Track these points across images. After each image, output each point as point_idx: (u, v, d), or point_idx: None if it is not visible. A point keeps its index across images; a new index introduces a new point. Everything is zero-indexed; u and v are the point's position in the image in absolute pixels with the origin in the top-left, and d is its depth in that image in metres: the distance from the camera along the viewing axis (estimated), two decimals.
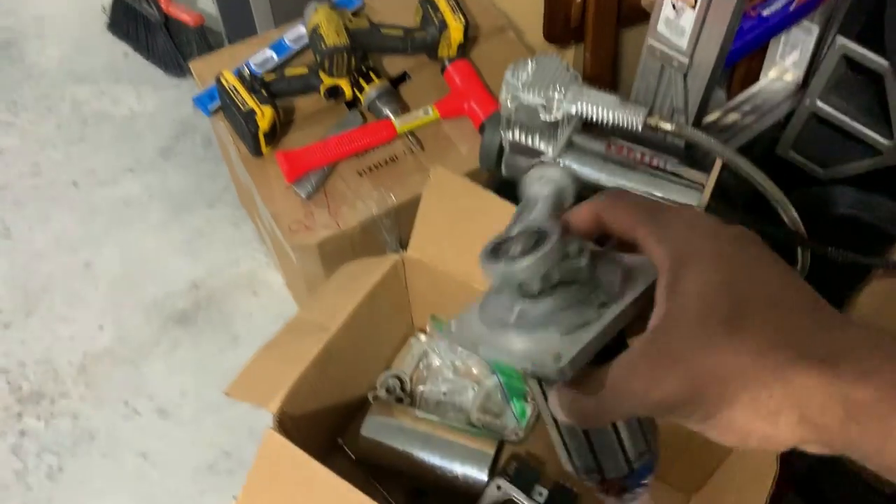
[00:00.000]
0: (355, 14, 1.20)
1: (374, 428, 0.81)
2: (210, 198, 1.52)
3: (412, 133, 1.10)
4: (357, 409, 0.89)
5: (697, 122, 1.07)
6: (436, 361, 0.91)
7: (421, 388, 0.90)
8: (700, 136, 0.70)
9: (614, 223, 0.35)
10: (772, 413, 0.28)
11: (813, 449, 0.29)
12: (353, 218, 1.03)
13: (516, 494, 0.77)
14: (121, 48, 1.74)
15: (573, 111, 0.72)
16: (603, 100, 0.71)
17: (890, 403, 0.26)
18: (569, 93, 0.72)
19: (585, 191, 0.56)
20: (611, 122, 0.72)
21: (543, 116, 0.72)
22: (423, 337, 0.92)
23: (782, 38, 1.28)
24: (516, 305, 0.36)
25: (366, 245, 1.08)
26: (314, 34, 1.07)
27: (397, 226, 1.08)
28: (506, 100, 0.74)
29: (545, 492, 0.79)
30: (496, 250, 0.37)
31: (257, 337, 1.34)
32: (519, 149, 0.79)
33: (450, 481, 0.79)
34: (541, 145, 0.77)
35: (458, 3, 1.13)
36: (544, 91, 0.72)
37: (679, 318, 0.30)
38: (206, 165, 1.57)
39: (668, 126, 0.70)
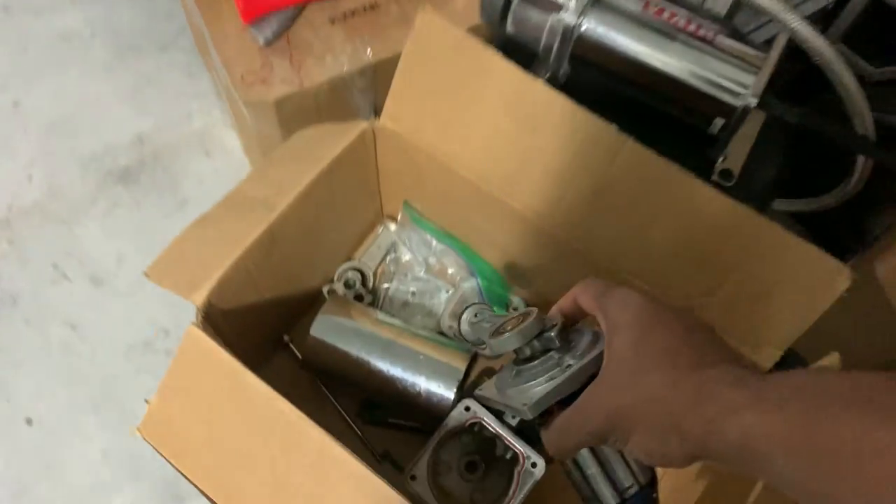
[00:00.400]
0: None
1: (326, 328, 0.68)
2: (163, 40, 1.32)
3: None
4: (309, 304, 0.76)
5: None
6: (406, 256, 0.76)
7: (386, 285, 0.76)
8: (772, 4, 0.53)
9: (584, 304, 0.44)
10: (662, 435, 0.36)
11: (708, 461, 0.35)
12: (319, 74, 0.86)
13: (486, 418, 0.65)
14: None
15: None
16: None
17: (732, 418, 0.33)
18: None
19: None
20: None
21: None
22: (392, 226, 0.77)
23: None
24: (514, 369, 0.49)
25: (333, 108, 0.91)
26: None
27: (373, 88, 0.91)
28: None
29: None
30: (497, 331, 0.49)
31: (207, 202, 1.17)
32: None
33: (411, 397, 0.67)
34: None
35: None
36: None
37: (606, 372, 0.40)
38: (163, 2, 1.35)
39: None
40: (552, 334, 0.45)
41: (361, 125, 0.65)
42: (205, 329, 0.57)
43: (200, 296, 0.58)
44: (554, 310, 0.47)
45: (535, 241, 0.64)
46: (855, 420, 0.28)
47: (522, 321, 0.46)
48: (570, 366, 0.43)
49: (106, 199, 1.19)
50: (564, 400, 0.43)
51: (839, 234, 1.05)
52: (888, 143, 0.99)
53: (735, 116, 0.59)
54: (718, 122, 0.61)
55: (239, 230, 0.61)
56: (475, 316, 0.70)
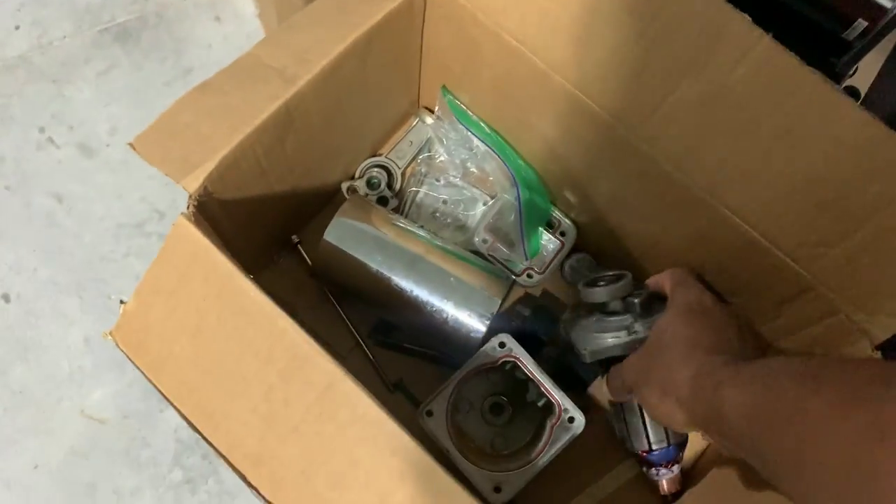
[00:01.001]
0: None
1: (343, 234, 0.57)
2: None
3: None
4: (325, 201, 0.65)
5: None
6: (441, 156, 0.65)
7: (415, 188, 0.64)
8: None
9: (665, 285, 0.51)
10: (663, 396, 0.43)
11: (699, 429, 0.43)
12: None
13: (523, 358, 0.55)
14: None
15: None
16: None
17: (716, 390, 0.38)
18: None
19: None
20: None
21: None
22: (429, 119, 0.65)
23: None
24: (595, 315, 0.53)
25: None
26: None
27: None
28: None
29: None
30: (591, 282, 0.54)
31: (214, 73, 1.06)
32: None
33: (436, 325, 0.57)
34: None
35: None
36: None
37: (648, 342, 0.48)
38: None
39: None
40: (636, 301, 0.51)
41: None
42: (197, 222, 0.46)
43: (195, 181, 0.47)
44: (649, 280, 0.53)
45: (607, 151, 0.52)
46: (796, 391, 0.33)
47: (616, 281, 0.52)
48: (636, 332, 0.50)
49: (101, 58, 1.06)
50: (620, 357, 0.50)
51: None
52: None
53: (884, 21, 0.47)
54: (860, 24, 0.49)
55: (249, 103, 0.50)
56: (577, 262, 0.65)
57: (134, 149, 0.51)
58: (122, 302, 0.49)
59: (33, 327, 0.95)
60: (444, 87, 0.61)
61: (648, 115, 0.47)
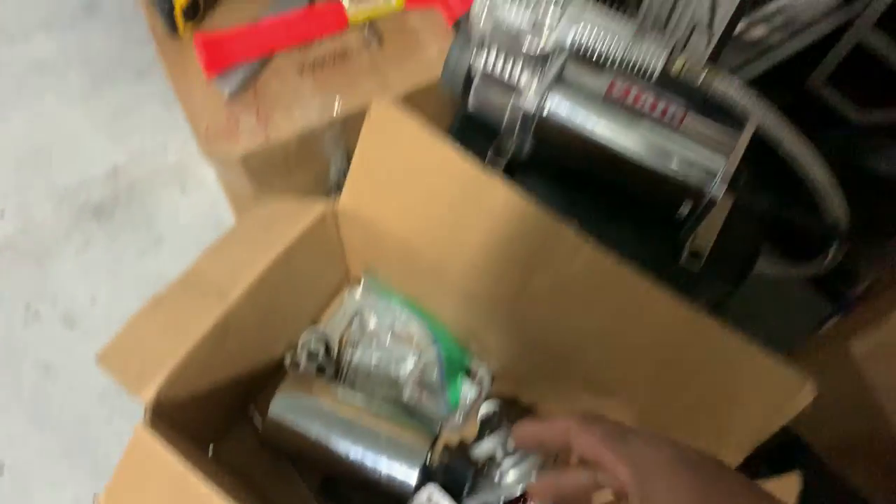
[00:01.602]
0: None
1: (284, 408, 0.66)
2: (139, 67, 1.29)
3: (371, 24, 0.88)
4: (274, 370, 0.74)
5: (724, 41, 0.87)
6: (371, 322, 0.75)
7: (351, 352, 0.74)
8: (741, 95, 0.51)
9: (588, 449, 0.38)
10: None
11: None
12: (287, 127, 0.84)
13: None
14: None
15: (568, 40, 0.53)
16: (611, 28, 0.52)
17: None
18: (567, 10, 0.52)
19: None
20: (618, 60, 0.52)
21: (528, 44, 0.53)
22: (357, 292, 0.75)
23: None
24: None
25: (303, 160, 0.89)
26: None
27: (344, 137, 0.89)
28: (480, 14, 0.54)
29: None
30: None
31: (183, 240, 1.17)
32: (492, 80, 0.59)
33: (373, 481, 0.65)
34: (522, 78, 0.58)
35: None
36: (532, 6, 0.52)
37: None
38: (138, 27, 1.31)
39: (696, 76, 0.51)
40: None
41: (320, 207, 0.63)
42: (153, 427, 0.55)
43: (149, 392, 0.56)
44: (529, 431, 0.42)
45: (495, 321, 0.62)
46: None
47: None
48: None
49: (80, 234, 1.17)
50: None
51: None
52: (872, 189, 0.97)
53: (703, 203, 0.57)
54: (686, 205, 0.59)
55: (192, 318, 0.59)
56: (488, 407, 0.68)
57: (99, 362, 0.61)
58: (95, 496, 0.58)
59: (26, 496, 1.02)
60: (364, 270, 0.72)
61: (517, 297, 0.57)
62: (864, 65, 0.91)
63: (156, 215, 1.19)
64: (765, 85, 1.06)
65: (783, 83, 1.08)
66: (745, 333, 0.50)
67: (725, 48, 0.99)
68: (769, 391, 0.50)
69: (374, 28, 0.88)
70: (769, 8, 1.13)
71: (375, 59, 0.88)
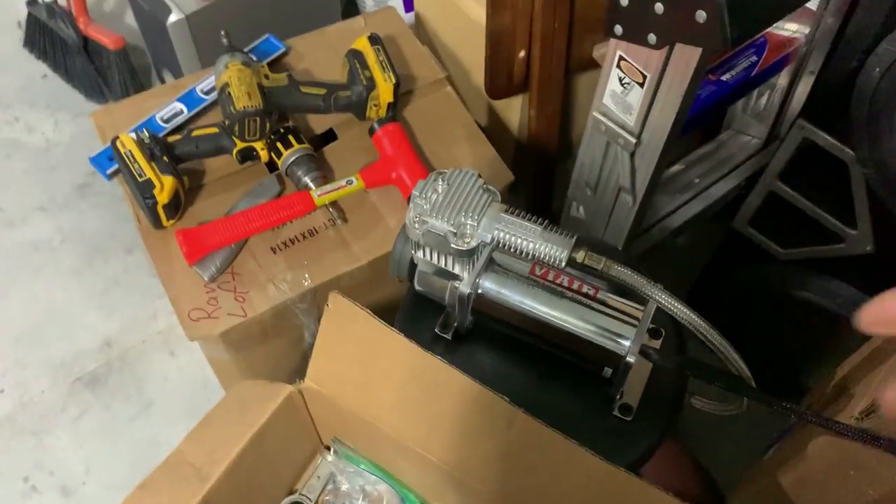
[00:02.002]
0: (275, 64, 1.09)
1: None
2: (128, 242, 1.40)
3: (334, 204, 0.99)
4: None
5: (646, 202, 0.98)
6: (344, 485, 0.81)
7: None
8: (631, 278, 0.60)
9: None
10: None
11: None
12: (262, 303, 0.93)
13: None
14: (39, 68, 1.61)
15: (488, 239, 0.62)
16: (522, 230, 0.62)
17: None
18: (484, 219, 0.62)
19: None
20: (530, 254, 0.62)
21: (455, 244, 0.62)
22: (329, 457, 0.82)
23: None
24: None
25: (279, 329, 0.97)
26: (223, 94, 0.95)
27: (316, 306, 0.98)
28: (412, 222, 0.63)
29: None
30: None
31: (173, 403, 1.24)
32: (432, 268, 0.69)
33: None
34: (455, 267, 0.67)
35: (388, 59, 1.02)
36: (455, 217, 0.62)
37: None
38: (126, 206, 1.44)
39: (594, 264, 0.61)
40: None
41: (288, 388, 0.70)
42: None
43: None
44: None
45: (453, 486, 0.69)
46: None
47: None
48: None
49: (75, 405, 1.24)
50: None
51: None
52: (799, 318, 1.06)
53: (620, 366, 0.65)
54: (608, 369, 0.67)
55: (174, 500, 0.66)
56: None
57: None
58: None
59: None
60: (333, 438, 0.79)
61: (467, 463, 0.64)
62: (782, 208, 1.01)
63: (146, 380, 1.26)
64: (700, 223, 1.17)
65: (714, 219, 1.19)
66: (663, 488, 0.57)
67: (656, 196, 1.11)
68: None
69: (338, 207, 0.99)
70: (698, 153, 1.26)
71: (341, 233, 0.98)
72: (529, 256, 0.62)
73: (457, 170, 0.64)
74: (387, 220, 1.00)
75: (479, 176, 0.64)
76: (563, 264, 0.61)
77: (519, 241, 0.62)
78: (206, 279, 0.92)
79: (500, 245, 0.63)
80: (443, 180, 0.63)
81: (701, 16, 0.74)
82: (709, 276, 1.13)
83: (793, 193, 0.96)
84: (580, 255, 0.61)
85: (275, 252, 0.96)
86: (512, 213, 0.63)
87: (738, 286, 1.10)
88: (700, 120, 1.02)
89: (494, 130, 1.32)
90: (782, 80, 1.12)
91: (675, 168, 1.24)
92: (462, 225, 0.62)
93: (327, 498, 0.82)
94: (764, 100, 1.18)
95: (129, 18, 1.67)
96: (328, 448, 0.83)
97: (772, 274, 1.06)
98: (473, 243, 0.62)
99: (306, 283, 0.94)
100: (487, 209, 0.63)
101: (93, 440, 1.20)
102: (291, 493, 0.82)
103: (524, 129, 1.27)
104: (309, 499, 0.81)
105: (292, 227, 0.98)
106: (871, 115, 0.81)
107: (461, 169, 0.64)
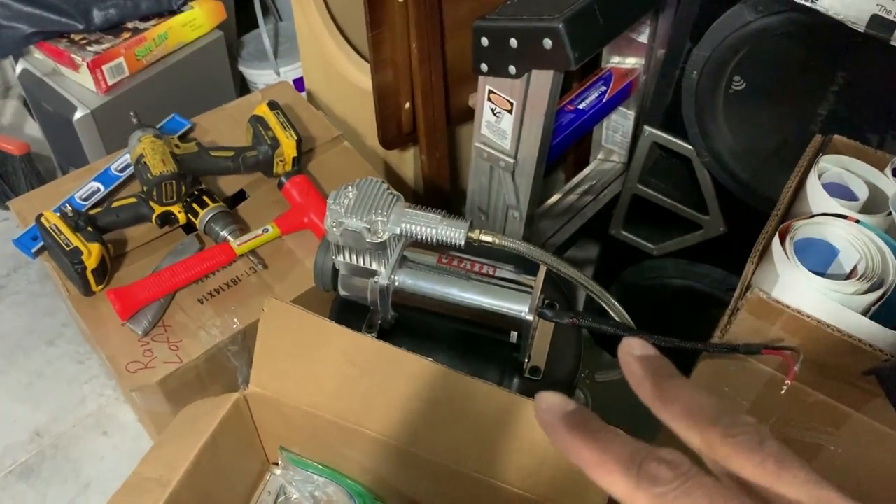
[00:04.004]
0: (183, 137, 1.19)
1: None
2: (49, 335, 1.42)
3: (254, 252, 1.08)
4: None
5: (531, 213, 1.11)
6: (294, 494, 0.87)
7: None
8: (517, 245, 0.72)
9: None
10: None
11: None
12: (196, 349, 0.99)
13: None
14: None
15: (397, 231, 0.73)
16: (425, 219, 0.73)
17: None
18: (392, 214, 0.73)
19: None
20: (435, 239, 0.73)
21: (369, 239, 0.73)
22: (277, 470, 0.88)
23: (605, 123, 1.36)
24: None
25: (214, 374, 1.03)
26: (139, 164, 1.04)
27: (247, 349, 1.05)
28: (331, 226, 0.73)
29: None
30: None
31: (111, 480, 1.25)
32: (352, 270, 0.78)
33: None
34: (373, 265, 0.77)
35: (288, 120, 1.14)
36: (366, 215, 0.72)
37: None
38: (44, 301, 1.47)
39: (488, 238, 0.72)
40: None
41: (233, 396, 0.77)
42: None
43: None
44: None
45: (393, 459, 0.77)
46: None
47: None
48: None
49: (10, 499, 1.23)
50: None
51: None
52: (680, 304, 1.20)
53: (523, 328, 0.76)
54: (514, 333, 0.78)
55: None
56: None
57: None
58: None
59: None
60: (281, 447, 0.85)
61: (402, 427, 0.73)
62: (648, 209, 1.17)
63: (82, 463, 1.26)
64: (579, 238, 1.32)
65: (597, 232, 1.34)
66: None
67: (542, 218, 1.25)
68: None
69: (257, 255, 1.08)
70: (574, 181, 1.42)
71: (263, 279, 1.06)
72: (434, 241, 0.73)
73: (364, 178, 0.75)
74: (304, 262, 1.09)
75: (384, 181, 0.76)
76: (462, 243, 0.72)
77: (424, 228, 0.73)
78: (139, 333, 0.98)
79: (408, 235, 0.73)
80: (353, 187, 0.74)
81: (547, 43, 0.90)
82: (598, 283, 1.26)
83: (652, 193, 1.12)
84: (476, 234, 0.73)
85: (202, 302, 1.03)
86: (415, 207, 0.74)
87: (624, 286, 1.24)
88: (567, 143, 1.17)
89: (392, 184, 1.45)
90: (632, 108, 1.31)
91: (554, 198, 1.39)
92: (374, 222, 0.73)
93: None
94: (620, 130, 1.36)
95: (29, 128, 1.73)
96: (275, 464, 0.89)
97: (649, 269, 1.21)
98: (385, 236, 0.73)
99: (235, 326, 1.01)
100: (394, 206, 0.74)
101: None
102: None
103: (419, 179, 1.41)
104: None
105: (216, 279, 1.06)
106: (697, 112, 0.98)
107: (367, 177, 0.75)
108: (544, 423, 0.40)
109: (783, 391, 0.65)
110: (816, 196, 0.71)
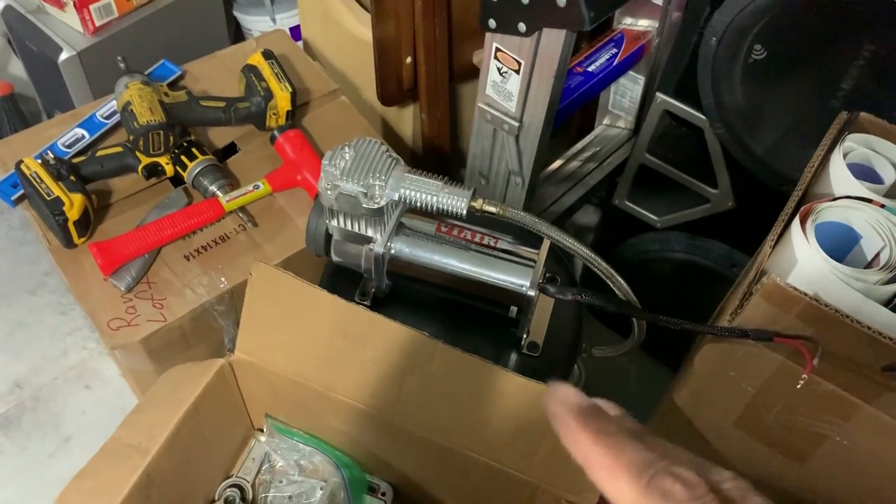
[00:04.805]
0: (172, 85, 1.13)
1: None
2: (32, 284, 1.38)
3: (243, 209, 1.03)
4: None
5: (534, 180, 1.07)
6: (279, 462, 0.84)
7: (264, 494, 0.83)
8: (523, 217, 0.68)
9: None
10: None
11: None
12: (181, 308, 0.95)
13: None
14: None
15: (396, 197, 0.69)
16: (425, 185, 0.68)
17: None
18: (390, 179, 0.69)
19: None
20: (435, 207, 0.69)
21: (366, 204, 0.69)
22: (262, 437, 0.85)
23: (612, 87, 1.31)
24: None
25: (199, 334, 1.00)
26: (126, 112, 0.99)
27: (234, 310, 1.01)
28: (325, 189, 0.69)
29: None
30: None
31: (92, 435, 1.23)
32: (347, 235, 0.74)
33: None
34: (368, 231, 0.73)
35: (283, 71, 1.09)
36: (363, 179, 0.68)
37: None
38: (26, 249, 1.43)
39: (491, 208, 0.68)
40: None
41: (218, 362, 0.74)
42: None
43: None
44: None
45: (382, 432, 0.74)
46: None
47: None
48: None
49: None
50: None
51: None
52: (683, 279, 1.17)
53: (523, 303, 0.73)
54: (513, 308, 0.75)
55: (116, 479, 0.68)
56: None
57: None
58: None
59: None
60: (266, 414, 0.82)
61: (395, 404, 0.70)
62: (654, 180, 1.13)
63: (63, 416, 1.24)
64: (581, 206, 1.28)
65: (598, 201, 1.30)
66: None
67: (543, 184, 1.21)
68: None
69: (247, 212, 1.04)
70: (577, 147, 1.37)
71: (252, 237, 1.02)
72: (434, 209, 0.69)
73: (361, 138, 0.71)
74: (296, 221, 1.05)
75: (383, 143, 0.71)
76: (464, 212, 0.68)
77: (424, 196, 0.69)
78: (122, 289, 0.94)
79: (407, 202, 0.69)
80: (349, 148, 0.70)
81: (561, 1, 0.84)
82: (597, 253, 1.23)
83: (660, 163, 1.08)
84: (478, 203, 0.68)
85: (188, 259, 0.99)
86: (415, 173, 0.70)
87: (625, 258, 1.21)
88: (574, 107, 1.12)
89: (390, 143, 1.40)
90: (642, 73, 1.26)
91: (557, 163, 1.34)
92: (371, 186, 0.68)
93: (264, 477, 0.85)
94: (628, 95, 1.31)
95: (14, 68, 1.67)
96: (260, 430, 0.86)
97: (651, 241, 1.17)
98: (382, 202, 0.69)
99: (223, 285, 0.97)
100: (393, 170, 0.69)
101: (10, 482, 1.17)
102: (228, 478, 0.84)
103: (418, 138, 1.36)
104: (246, 480, 0.84)
105: (204, 235, 1.02)
106: (713, 80, 0.93)
107: (365, 138, 0.71)
108: (554, 415, 0.37)
109: (799, 385, 0.62)
110: (841, 177, 0.67)
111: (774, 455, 0.76)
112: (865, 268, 0.63)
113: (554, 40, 0.90)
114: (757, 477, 0.79)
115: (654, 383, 1.09)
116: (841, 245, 0.65)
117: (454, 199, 0.69)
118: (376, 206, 0.69)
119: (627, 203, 1.16)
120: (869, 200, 0.65)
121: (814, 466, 0.74)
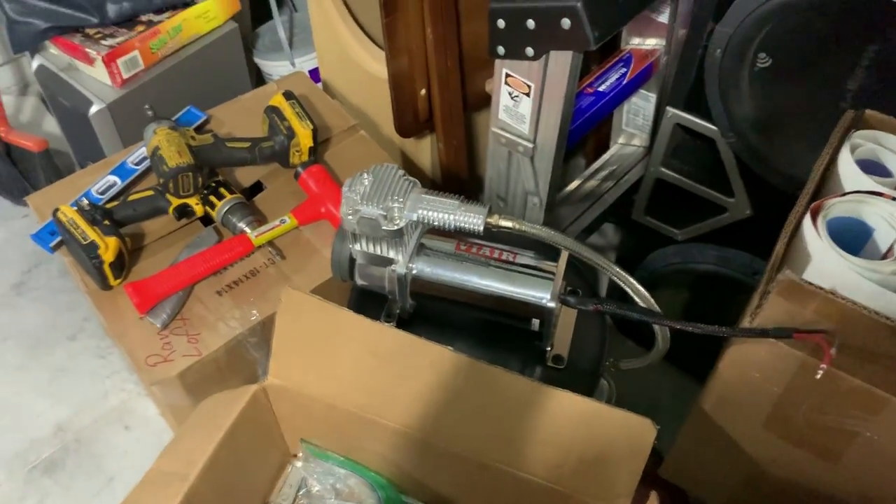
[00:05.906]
0: (199, 130, 1.18)
1: None
2: (71, 330, 1.42)
3: (271, 243, 1.07)
4: None
5: (551, 199, 1.09)
6: (315, 487, 0.85)
7: None
8: (539, 230, 0.70)
9: None
10: None
11: None
12: (215, 341, 0.98)
13: None
14: None
15: (414, 218, 0.71)
16: (442, 205, 0.71)
17: None
18: (408, 201, 0.71)
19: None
20: (452, 225, 0.71)
21: (385, 226, 0.71)
22: (298, 463, 0.87)
23: (625, 106, 1.34)
24: None
25: (234, 366, 1.02)
26: (155, 156, 1.03)
27: (266, 341, 1.04)
28: (346, 214, 0.72)
29: None
30: None
31: (134, 474, 1.24)
32: (370, 259, 0.77)
33: None
34: (390, 253, 0.76)
35: (304, 109, 1.13)
36: (382, 201, 0.71)
37: None
38: (65, 296, 1.47)
39: (507, 223, 0.70)
40: None
41: (252, 388, 0.76)
42: None
43: None
44: None
45: (416, 451, 0.75)
46: None
47: None
48: None
49: (35, 493, 1.23)
50: None
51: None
52: (706, 289, 1.17)
53: (545, 316, 0.74)
54: (536, 321, 0.76)
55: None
56: None
57: None
58: None
59: None
60: (302, 439, 0.84)
61: (424, 418, 0.71)
62: (671, 193, 1.14)
63: (105, 457, 1.27)
64: (600, 225, 1.29)
65: (618, 218, 1.31)
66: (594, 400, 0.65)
67: (562, 204, 1.23)
68: (625, 438, 0.64)
69: (275, 246, 1.07)
70: (594, 166, 1.39)
71: (281, 269, 1.05)
72: (452, 228, 0.71)
73: (378, 164, 0.74)
74: (322, 252, 1.08)
75: (400, 168, 0.74)
76: (481, 229, 0.70)
77: (441, 214, 0.71)
78: (158, 326, 0.98)
79: (425, 222, 0.72)
80: (368, 174, 0.73)
81: (566, 23, 0.87)
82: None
83: (676, 176, 1.09)
84: (494, 219, 0.71)
85: (220, 294, 1.03)
86: (432, 193, 0.72)
87: (647, 272, 1.22)
88: (587, 126, 1.15)
89: (409, 173, 1.43)
90: (653, 90, 1.28)
91: (574, 184, 1.36)
92: (390, 209, 0.71)
93: (301, 502, 0.86)
94: (641, 113, 1.34)
95: (48, 125, 1.74)
96: (296, 456, 0.88)
97: (673, 254, 1.18)
98: (402, 223, 0.71)
99: (254, 318, 1.00)
100: (410, 192, 0.72)
101: None
102: None
103: (436, 167, 1.39)
104: None
105: (234, 270, 1.05)
106: (721, 91, 0.95)
107: (383, 164, 0.74)
108: None
109: (818, 376, 0.63)
110: (849, 173, 0.68)
111: (806, 456, 0.76)
112: (880, 261, 0.64)
113: (562, 62, 0.92)
114: (790, 479, 0.79)
115: (686, 397, 1.10)
116: (854, 239, 0.66)
117: (471, 217, 0.71)
118: (396, 227, 0.71)
119: (647, 218, 1.18)
120: (880, 194, 0.66)
121: (846, 465, 0.74)
